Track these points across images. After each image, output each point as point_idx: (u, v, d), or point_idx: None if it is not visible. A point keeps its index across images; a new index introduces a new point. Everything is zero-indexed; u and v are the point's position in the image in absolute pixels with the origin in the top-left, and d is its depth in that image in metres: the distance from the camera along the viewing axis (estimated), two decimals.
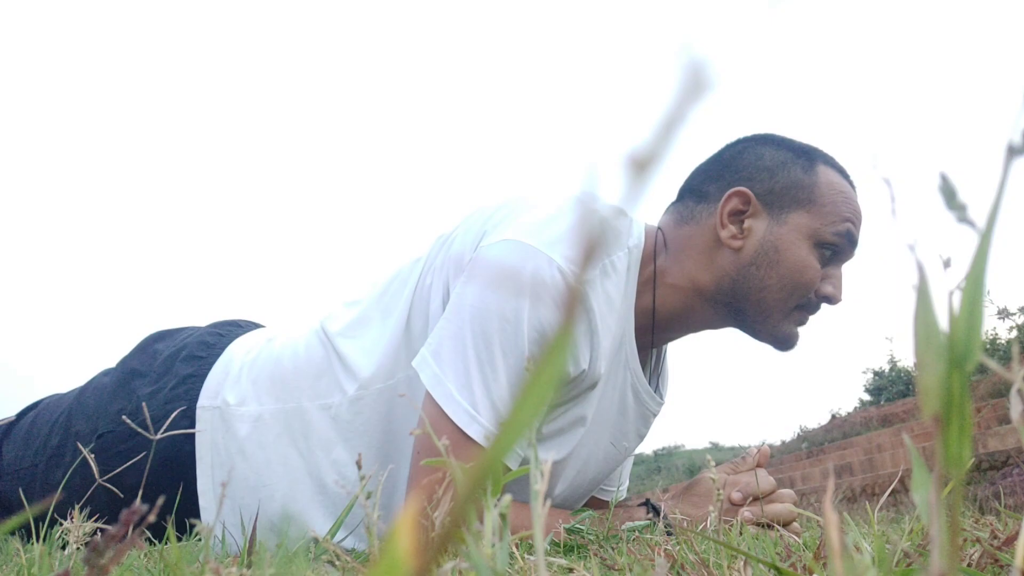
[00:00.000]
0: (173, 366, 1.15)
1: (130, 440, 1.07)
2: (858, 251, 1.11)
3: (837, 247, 1.06)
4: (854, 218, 1.07)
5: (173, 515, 1.00)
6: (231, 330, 1.25)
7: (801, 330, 1.11)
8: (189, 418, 1.08)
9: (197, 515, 1.07)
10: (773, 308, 1.07)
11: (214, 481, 1.07)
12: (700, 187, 1.11)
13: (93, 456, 1.07)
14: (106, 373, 1.23)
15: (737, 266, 1.05)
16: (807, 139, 1.13)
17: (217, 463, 1.07)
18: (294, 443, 1.06)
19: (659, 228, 1.12)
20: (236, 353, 1.15)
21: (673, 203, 1.15)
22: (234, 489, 1.06)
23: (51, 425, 1.17)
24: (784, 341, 1.10)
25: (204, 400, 1.09)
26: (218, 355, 1.15)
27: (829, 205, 1.06)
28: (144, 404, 1.03)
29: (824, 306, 1.10)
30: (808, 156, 1.08)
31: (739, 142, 1.13)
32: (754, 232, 1.05)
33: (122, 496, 0.85)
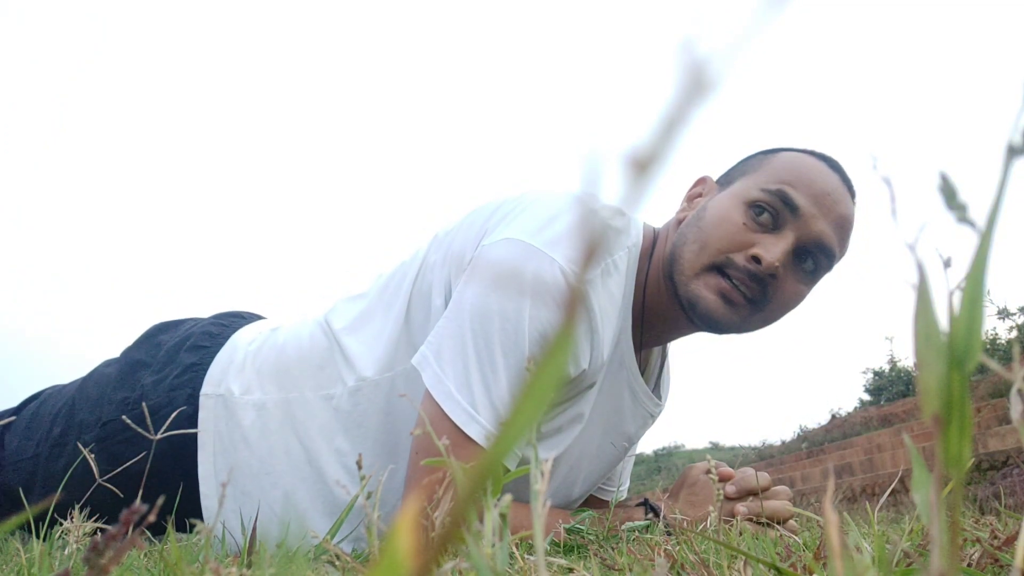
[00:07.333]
0: (177, 356, 1.15)
1: (134, 429, 1.07)
2: (829, 239, 0.99)
3: (768, 207, 0.98)
4: (796, 184, 0.99)
5: (176, 502, 1.00)
6: (234, 321, 1.26)
7: (726, 307, 0.99)
8: (192, 406, 1.09)
9: (199, 502, 1.07)
10: (687, 264, 1.00)
11: (216, 468, 1.08)
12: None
13: (97, 445, 1.08)
14: (109, 364, 1.23)
15: (675, 233, 1.06)
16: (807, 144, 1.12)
17: (219, 450, 1.08)
18: (296, 432, 1.07)
19: (655, 229, 1.12)
20: (240, 342, 1.16)
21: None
22: (237, 476, 1.07)
23: (53, 415, 1.17)
24: (694, 305, 0.99)
25: (207, 388, 1.10)
26: (222, 344, 1.16)
27: (770, 170, 1.02)
28: (145, 400, 1.02)
29: (760, 273, 0.97)
30: (783, 148, 1.07)
31: None
32: (699, 203, 1.07)
33: (122, 496, 0.85)
